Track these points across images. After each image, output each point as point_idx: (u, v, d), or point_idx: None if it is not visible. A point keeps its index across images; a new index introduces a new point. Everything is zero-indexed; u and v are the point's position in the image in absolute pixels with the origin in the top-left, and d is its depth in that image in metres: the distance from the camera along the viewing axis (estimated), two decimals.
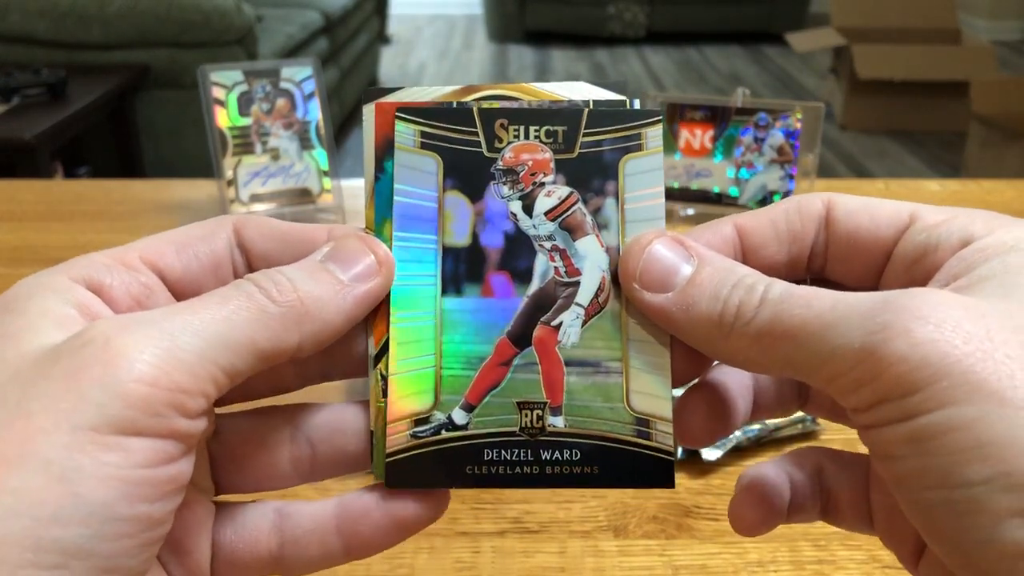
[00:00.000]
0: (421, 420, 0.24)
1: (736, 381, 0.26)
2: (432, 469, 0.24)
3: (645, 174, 0.25)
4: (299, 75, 0.72)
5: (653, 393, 0.24)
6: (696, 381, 0.25)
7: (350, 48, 3.46)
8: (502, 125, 0.25)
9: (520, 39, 4.76)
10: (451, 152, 0.25)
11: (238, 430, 0.24)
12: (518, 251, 0.25)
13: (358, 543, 0.24)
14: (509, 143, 0.25)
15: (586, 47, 4.65)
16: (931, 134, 3.22)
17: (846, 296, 0.20)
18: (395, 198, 0.25)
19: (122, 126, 2.29)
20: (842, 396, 0.20)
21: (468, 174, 0.25)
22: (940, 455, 0.18)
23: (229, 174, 0.71)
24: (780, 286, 0.21)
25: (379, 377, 0.24)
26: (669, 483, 0.24)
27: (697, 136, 0.73)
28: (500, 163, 0.25)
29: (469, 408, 0.24)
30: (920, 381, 0.18)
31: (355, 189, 0.80)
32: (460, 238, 0.25)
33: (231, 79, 0.71)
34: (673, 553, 0.40)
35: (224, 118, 0.70)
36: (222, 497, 0.24)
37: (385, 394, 0.24)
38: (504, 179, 0.25)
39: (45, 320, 0.20)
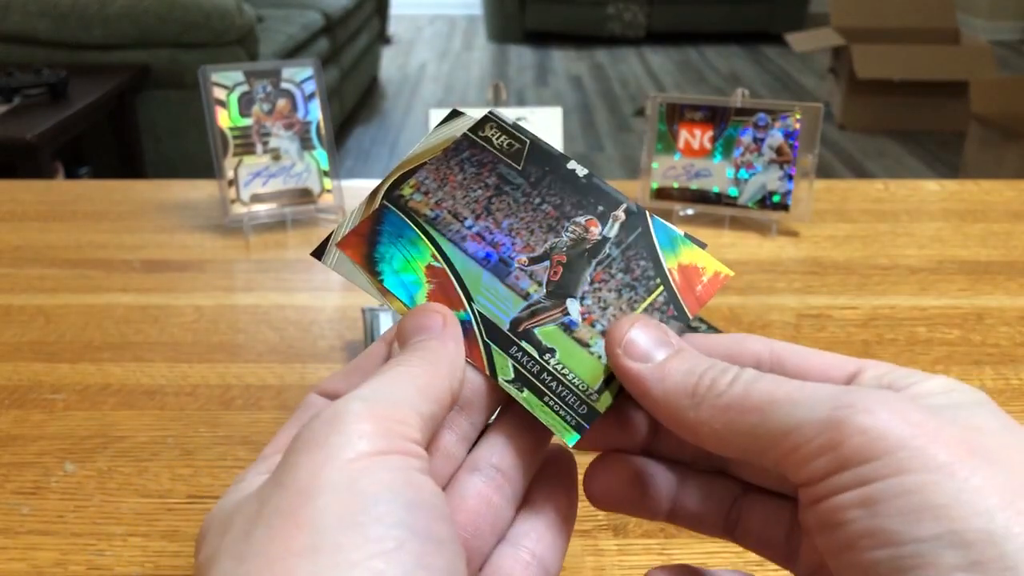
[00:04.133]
0: None
1: (660, 469, 0.28)
2: None
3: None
4: (300, 75, 0.72)
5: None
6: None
7: (350, 48, 3.46)
8: None
9: (520, 39, 4.76)
10: None
11: None
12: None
13: None
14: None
15: (586, 47, 4.65)
16: (930, 134, 3.22)
17: (815, 383, 0.23)
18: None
19: (123, 126, 2.29)
20: (799, 467, 0.22)
21: None
22: (892, 516, 0.20)
23: (230, 174, 0.71)
24: (751, 371, 0.24)
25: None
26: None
27: (696, 136, 0.73)
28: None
29: None
30: (879, 450, 0.20)
31: (356, 189, 0.80)
32: None
33: (232, 79, 0.71)
34: (672, 552, 0.40)
35: (225, 118, 0.70)
36: None
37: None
38: None
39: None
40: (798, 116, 0.70)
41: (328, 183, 0.74)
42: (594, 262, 0.29)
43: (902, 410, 0.21)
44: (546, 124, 0.75)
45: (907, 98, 3.18)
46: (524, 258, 0.29)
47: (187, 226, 0.73)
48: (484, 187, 0.30)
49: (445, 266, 0.29)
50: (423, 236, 0.29)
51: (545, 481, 0.28)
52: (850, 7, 3.32)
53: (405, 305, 0.28)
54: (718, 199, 0.73)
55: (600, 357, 0.27)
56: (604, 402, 0.27)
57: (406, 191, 0.30)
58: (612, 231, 0.29)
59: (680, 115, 0.73)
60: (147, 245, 0.70)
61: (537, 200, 0.30)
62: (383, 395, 0.23)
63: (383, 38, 4.35)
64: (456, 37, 5.02)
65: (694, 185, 0.74)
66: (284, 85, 0.72)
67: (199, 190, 0.80)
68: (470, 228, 0.29)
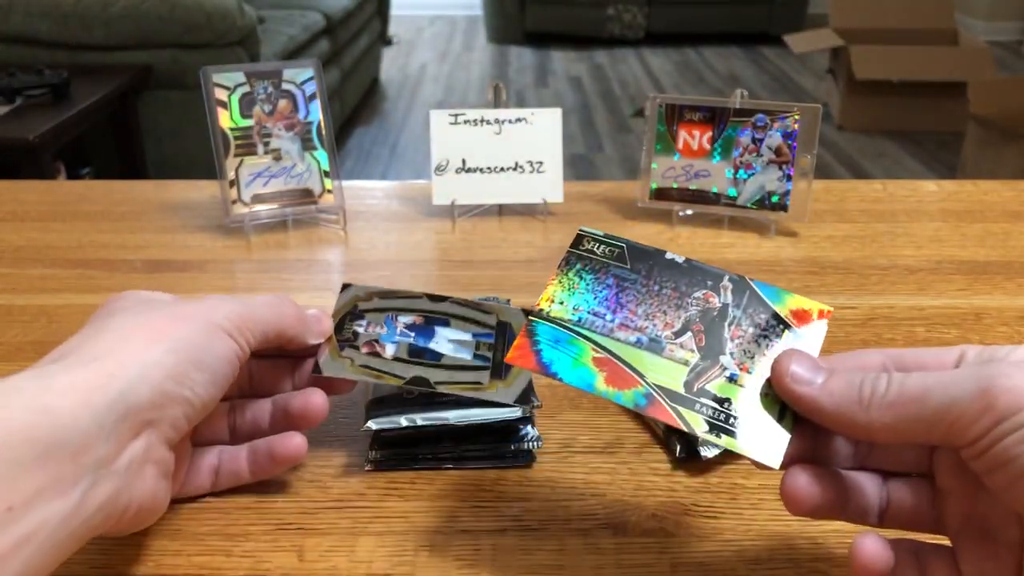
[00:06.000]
0: None
1: (858, 475, 0.34)
2: None
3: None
4: (301, 76, 0.73)
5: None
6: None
7: (351, 49, 3.47)
8: None
9: (520, 40, 4.77)
10: None
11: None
12: None
13: (258, 468, 0.42)
14: None
15: (585, 48, 4.65)
16: (928, 134, 3.22)
17: (951, 371, 0.30)
18: None
19: (124, 127, 2.29)
20: (964, 431, 0.28)
21: None
22: None
23: (231, 175, 0.71)
24: (897, 373, 0.30)
25: None
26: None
27: (696, 137, 0.73)
28: None
29: None
30: None
31: (356, 190, 0.80)
32: None
33: (233, 80, 0.71)
34: (671, 551, 0.40)
35: (226, 119, 0.71)
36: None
37: None
38: None
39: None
40: (797, 117, 0.71)
41: (329, 183, 0.74)
42: (726, 324, 0.36)
43: None
44: (546, 125, 0.75)
45: (905, 99, 3.18)
46: (669, 333, 0.35)
47: (188, 226, 0.74)
48: (607, 287, 0.37)
49: (609, 356, 0.35)
50: (577, 337, 0.35)
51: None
52: (849, 8, 3.32)
53: (589, 392, 0.34)
54: (717, 199, 0.73)
55: (767, 394, 0.33)
56: (787, 427, 0.33)
57: (544, 305, 0.36)
58: (728, 298, 0.36)
59: (679, 116, 0.73)
60: (149, 245, 0.71)
61: (656, 287, 0.37)
62: (250, 307, 0.40)
63: (384, 39, 4.35)
64: (456, 38, 5.03)
65: (693, 185, 0.74)
66: (285, 86, 0.72)
67: (200, 190, 0.81)
68: (612, 321, 0.36)
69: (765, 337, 0.35)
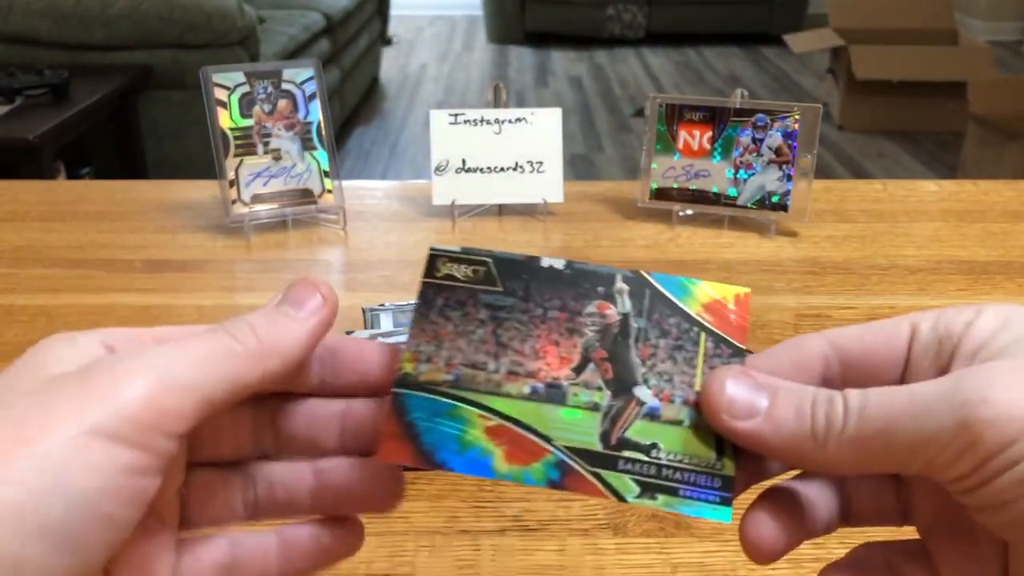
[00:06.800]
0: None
1: (809, 487, 0.29)
2: None
3: None
4: (300, 76, 0.73)
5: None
6: (764, 493, 0.28)
7: (351, 49, 3.47)
8: None
9: (520, 40, 4.77)
10: None
11: (203, 478, 0.28)
12: None
13: (292, 567, 0.28)
14: None
15: (585, 48, 4.65)
16: (928, 134, 3.22)
17: (915, 388, 0.24)
18: None
19: (124, 127, 2.29)
20: (944, 470, 0.23)
21: None
22: None
23: (231, 175, 0.71)
24: (854, 396, 0.25)
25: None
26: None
27: (696, 137, 0.73)
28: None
29: None
30: (1014, 432, 0.22)
31: (356, 190, 0.80)
32: None
33: (233, 80, 0.71)
34: (671, 551, 0.40)
35: (226, 119, 0.71)
36: (186, 533, 0.27)
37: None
38: None
39: (63, 359, 0.24)
40: (797, 117, 0.71)
41: (329, 183, 0.74)
42: (630, 341, 0.28)
43: (1005, 385, 0.23)
44: (546, 125, 0.75)
45: (905, 99, 3.18)
46: (568, 371, 0.27)
47: (188, 226, 0.74)
48: (480, 323, 0.28)
49: (502, 421, 0.27)
50: (459, 403, 0.27)
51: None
52: (849, 8, 3.32)
53: (488, 478, 0.26)
54: (717, 199, 0.73)
55: (698, 426, 0.27)
56: (729, 465, 0.27)
57: (408, 367, 0.27)
58: (626, 305, 0.28)
59: (679, 116, 0.73)
60: (148, 245, 0.71)
61: (540, 311, 0.28)
62: (174, 373, 0.24)
63: (384, 39, 4.35)
64: (456, 38, 5.03)
65: (693, 185, 0.74)
66: (285, 86, 0.72)
67: (200, 190, 0.81)
68: (497, 371, 0.27)
69: (680, 348, 0.28)
